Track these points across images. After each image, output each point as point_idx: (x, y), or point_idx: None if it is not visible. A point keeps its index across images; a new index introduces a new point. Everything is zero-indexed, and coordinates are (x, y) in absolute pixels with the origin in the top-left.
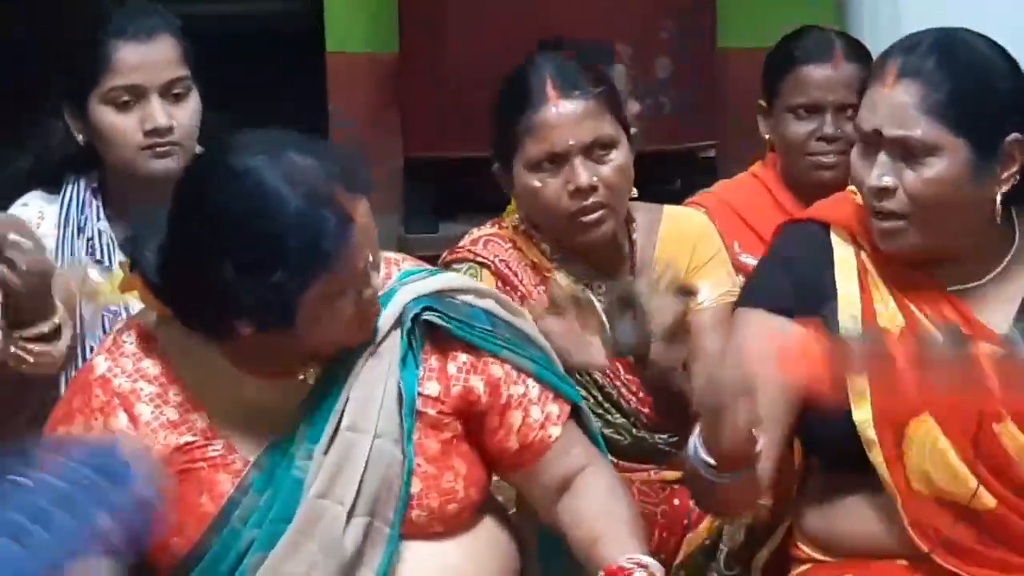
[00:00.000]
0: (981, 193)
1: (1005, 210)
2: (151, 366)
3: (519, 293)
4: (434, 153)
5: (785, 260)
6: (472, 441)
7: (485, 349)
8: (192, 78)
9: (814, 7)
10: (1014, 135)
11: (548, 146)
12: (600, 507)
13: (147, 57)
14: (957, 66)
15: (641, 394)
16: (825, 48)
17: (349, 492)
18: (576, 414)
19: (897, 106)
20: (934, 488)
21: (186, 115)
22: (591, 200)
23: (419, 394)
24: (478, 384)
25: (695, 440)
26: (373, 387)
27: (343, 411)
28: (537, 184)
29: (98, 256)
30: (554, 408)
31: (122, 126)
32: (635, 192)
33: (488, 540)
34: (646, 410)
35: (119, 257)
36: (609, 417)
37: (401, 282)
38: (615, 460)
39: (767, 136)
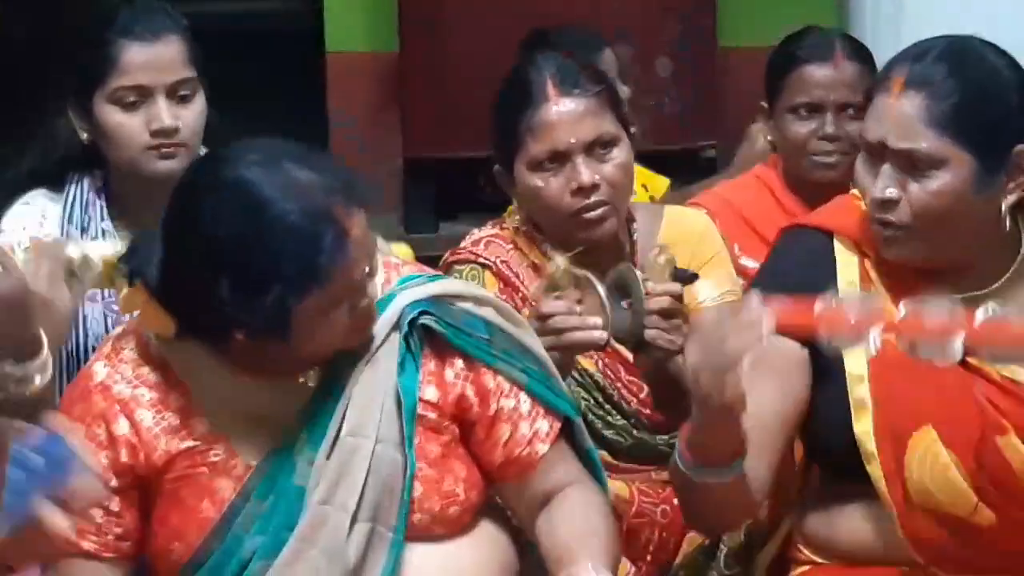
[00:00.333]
0: (987, 204)
1: (1012, 218)
2: (150, 371)
3: (520, 294)
4: (434, 153)
5: (784, 267)
6: (467, 447)
7: (479, 359)
8: (199, 79)
9: (815, 6)
10: (1021, 146)
11: (550, 145)
12: (576, 521)
13: (154, 57)
14: (965, 78)
15: (642, 395)
16: (825, 48)
17: (352, 498)
18: (569, 430)
19: (903, 117)
20: (934, 502)
21: (192, 116)
22: (593, 198)
23: (419, 399)
24: (470, 393)
25: (681, 444)
26: (373, 392)
27: (344, 416)
28: (539, 183)
29: None
30: (543, 424)
31: (128, 126)
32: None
33: (488, 541)
34: (647, 411)
35: None
36: (610, 418)
37: (400, 287)
38: (615, 461)
39: (769, 138)
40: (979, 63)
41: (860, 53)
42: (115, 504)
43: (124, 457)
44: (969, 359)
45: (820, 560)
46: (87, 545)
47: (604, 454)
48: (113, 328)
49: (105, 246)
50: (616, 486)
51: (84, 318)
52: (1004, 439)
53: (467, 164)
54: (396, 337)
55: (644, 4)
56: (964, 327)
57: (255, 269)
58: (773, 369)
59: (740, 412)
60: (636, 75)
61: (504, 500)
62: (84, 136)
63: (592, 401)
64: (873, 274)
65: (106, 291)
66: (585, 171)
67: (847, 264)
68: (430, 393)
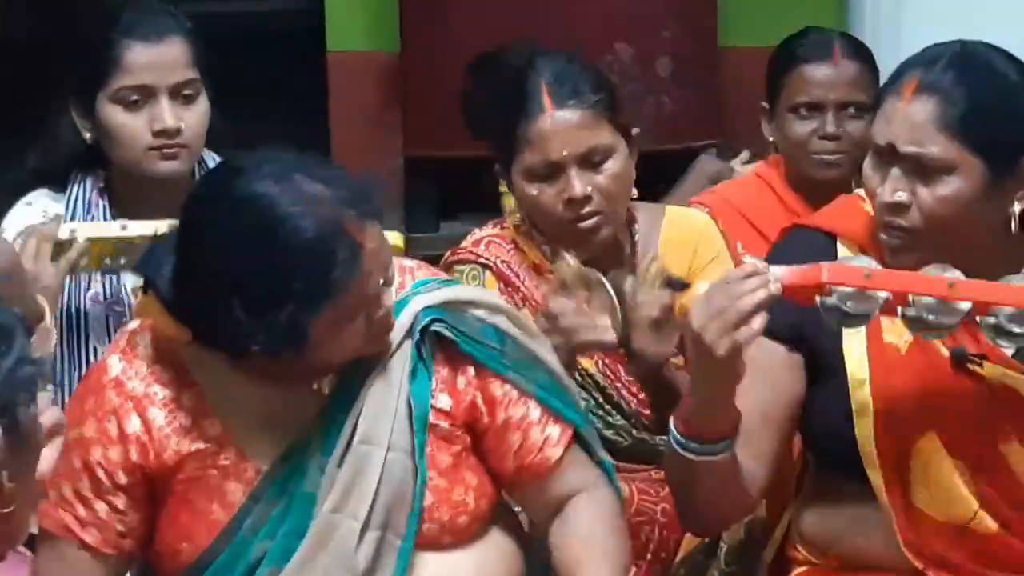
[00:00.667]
0: (996, 210)
1: (1020, 223)
2: (164, 369)
3: (520, 294)
4: (435, 152)
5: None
6: (478, 454)
7: (490, 368)
8: (202, 81)
9: (815, 6)
10: None
11: (543, 156)
12: (587, 533)
13: (157, 58)
14: (976, 83)
15: (642, 395)
16: (825, 47)
17: (363, 506)
18: (580, 439)
19: (913, 122)
20: (934, 508)
21: (194, 117)
22: (587, 209)
23: (432, 407)
24: (480, 401)
25: (676, 420)
26: (386, 399)
27: (356, 423)
28: (534, 192)
29: None
30: (554, 430)
31: (130, 126)
32: (635, 192)
33: (496, 550)
34: (646, 411)
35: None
36: (610, 418)
37: (414, 291)
38: (615, 461)
39: (771, 138)
40: (991, 69)
41: (860, 52)
42: (121, 501)
43: (134, 455)
44: (971, 365)
45: (819, 562)
46: (88, 538)
47: None
48: (114, 329)
49: (96, 226)
50: None
51: (85, 317)
52: (1008, 446)
53: (468, 164)
54: (408, 344)
55: (645, 4)
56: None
57: (269, 287)
58: (761, 370)
59: (739, 372)
60: (636, 75)
61: (520, 504)
62: (87, 136)
63: (592, 401)
64: None
65: (107, 290)
66: (577, 184)
67: None
68: (443, 401)
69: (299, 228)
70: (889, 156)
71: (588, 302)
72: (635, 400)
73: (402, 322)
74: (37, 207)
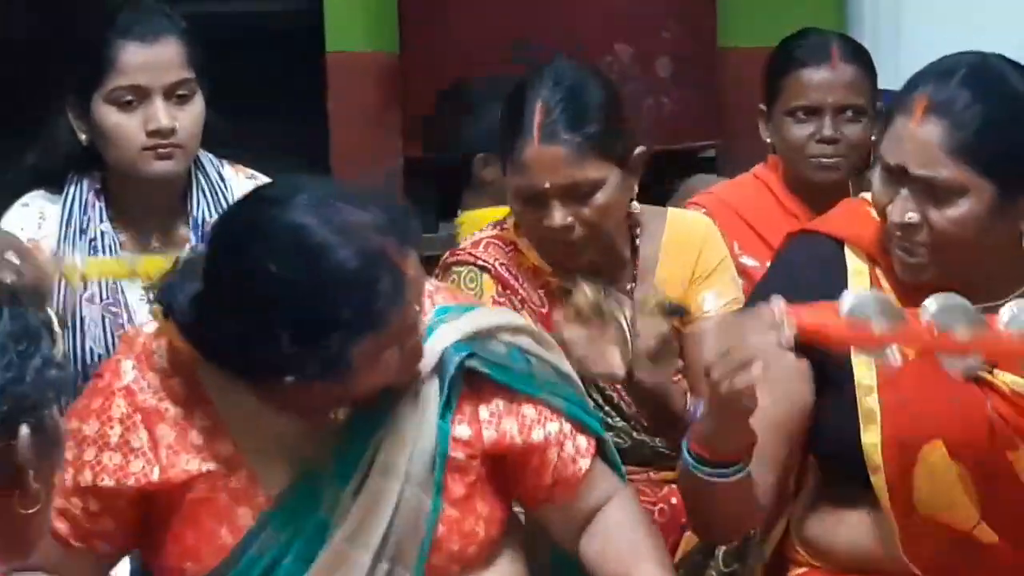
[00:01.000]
0: (1007, 227)
1: None
2: (179, 385)
3: (519, 297)
4: (434, 153)
5: (794, 272)
6: (496, 481)
7: (523, 392)
8: (197, 81)
9: (815, 6)
10: None
11: (527, 183)
12: (626, 545)
13: (151, 58)
14: (987, 105)
15: None
16: (822, 50)
17: (375, 538)
18: (601, 448)
19: (923, 144)
20: (936, 516)
21: (189, 118)
22: (567, 237)
23: (452, 438)
24: (511, 426)
25: (690, 442)
26: (406, 431)
27: (375, 454)
28: (519, 209)
29: (100, 258)
30: (582, 441)
31: (125, 126)
32: (636, 205)
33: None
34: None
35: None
36: (609, 420)
37: (437, 318)
38: None
39: (768, 140)
40: (1002, 88)
41: (857, 54)
42: (96, 504)
43: (133, 467)
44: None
45: (817, 564)
46: (59, 525)
47: None
48: (111, 331)
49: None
50: None
51: (82, 320)
52: (1015, 454)
53: (467, 164)
54: (435, 379)
55: (644, 4)
56: (987, 342)
57: (315, 318)
58: (772, 379)
59: (750, 407)
60: (636, 75)
61: (547, 523)
62: (82, 137)
63: (592, 403)
64: (884, 283)
65: (103, 291)
66: (557, 215)
67: (858, 272)
68: (462, 431)
69: (343, 258)
70: (899, 176)
71: (601, 333)
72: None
73: (429, 357)
74: (34, 208)
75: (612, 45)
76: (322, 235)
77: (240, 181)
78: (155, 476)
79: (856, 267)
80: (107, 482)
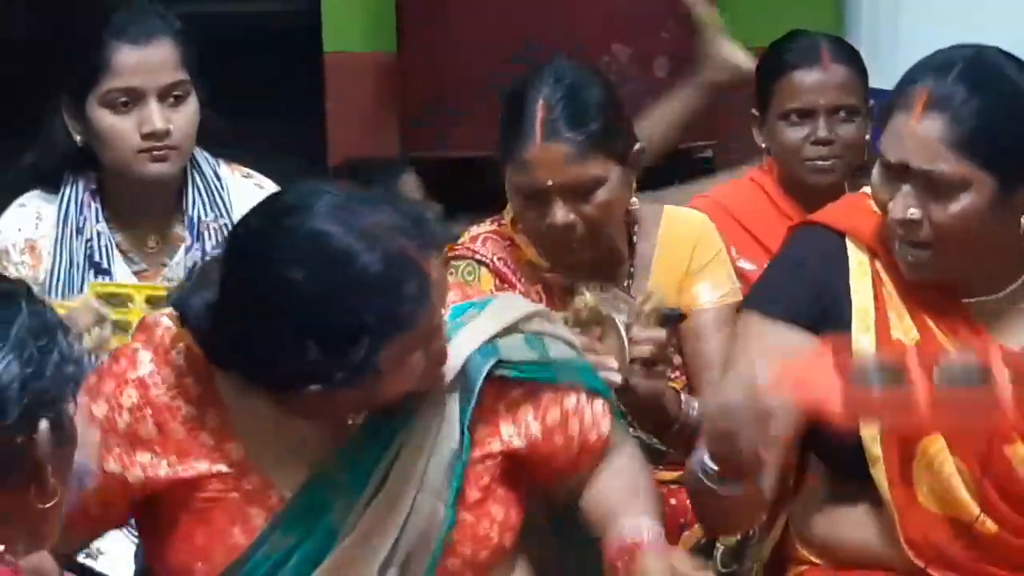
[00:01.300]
0: (1008, 219)
1: None
2: (194, 384)
3: (516, 291)
4: (432, 153)
5: (799, 264)
6: (513, 475)
7: (541, 380)
8: (191, 82)
9: (813, 6)
10: None
11: (528, 181)
12: (624, 479)
13: (146, 60)
14: (987, 99)
15: None
16: (811, 51)
17: (385, 545)
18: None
19: (924, 139)
20: (937, 507)
21: (183, 119)
22: (569, 236)
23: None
24: (529, 416)
25: (700, 451)
26: (425, 439)
27: (391, 462)
28: (520, 208)
29: (96, 258)
30: (598, 406)
31: (119, 128)
32: (635, 200)
33: None
34: None
35: (117, 259)
36: None
37: (454, 322)
38: None
39: (763, 144)
40: (1001, 81)
41: (847, 54)
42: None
43: (140, 459)
44: None
45: (817, 561)
46: None
47: None
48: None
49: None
50: None
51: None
52: (1012, 448)
53: (465, 164)
54: (458, 387)
55: (643, 4)
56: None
57: (342, 325)
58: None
59: (756, 467)
60: (634, 75)
61: (571, 488)
62: (77, 138)
63: None
64: (884, 275)
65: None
66: (559, 213)
67: (860, 265)
68: (480, 433)
69: (368, 263)
70: (900, 172)
71: (599, 339)
72: None
73: (453, 360)
74: (31, 208)
75: (610, 45)
76: (345, 241)
77: (236, 180)
78: (162, 472)
79: (857, 260)
80: (112, 467)
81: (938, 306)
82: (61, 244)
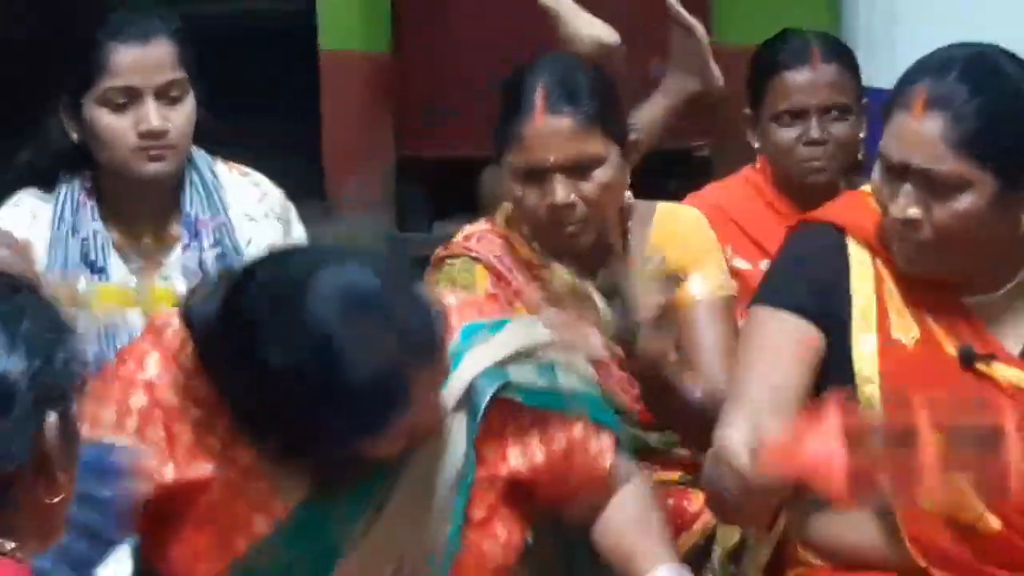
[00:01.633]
0: (1008, 218)
1: None
2: (202, 386)
3: (512, 289)
4: (427, 152)
5: (801, 261)
6: (517, 496)
7: (552, 408)
8: (188, 81)
9: (809, 5)
10: None
11: (529, 158)
12: (637, 519)
13: (143, 59)
14: (988, 98)
15: (636, 391)
16: (802, 51)
17: (389, 566)
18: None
19: (924, 139)
20: (939, 507)
21: (181, 118)
22: (569, 217)
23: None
24: (534, 441)
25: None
26: (431, 462)
27: (393, 487)
28: (518, 192)
29: (92, 257)
30: (604, 439)
31: (116, 127)
32: (629, 195)
33: None
34: (639, 408)
35: (113, 259)
36: None
37: (465, 344)
38: None
39: (756, 144)
40: (1002, 81)
41: (838, 52)
42: None
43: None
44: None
45: (818, 562)
46: None
47: None
48: (107, 332)
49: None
50: None
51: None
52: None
53: (461, 163)
54: (463, 409)
55: (640, 4)
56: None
57: (319, 425)
58: (797, 356)
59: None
60: (629, 75)
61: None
62: (74, 137)
63: None
64: (885, 272)
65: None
66: (560, 191)
67: (861, 262)
68: (485, 454)
69: (359, 376)
70: (900, 172)
71: (579, 314)
72: (627, 397)
73: (456, 386)
74: (25, 207)
75: None
76: (340, 343)
77: (233, 178)
78: (169, 475)
79: (858, 258)
80: None
81: (938, 304)
82: (56, 244)
